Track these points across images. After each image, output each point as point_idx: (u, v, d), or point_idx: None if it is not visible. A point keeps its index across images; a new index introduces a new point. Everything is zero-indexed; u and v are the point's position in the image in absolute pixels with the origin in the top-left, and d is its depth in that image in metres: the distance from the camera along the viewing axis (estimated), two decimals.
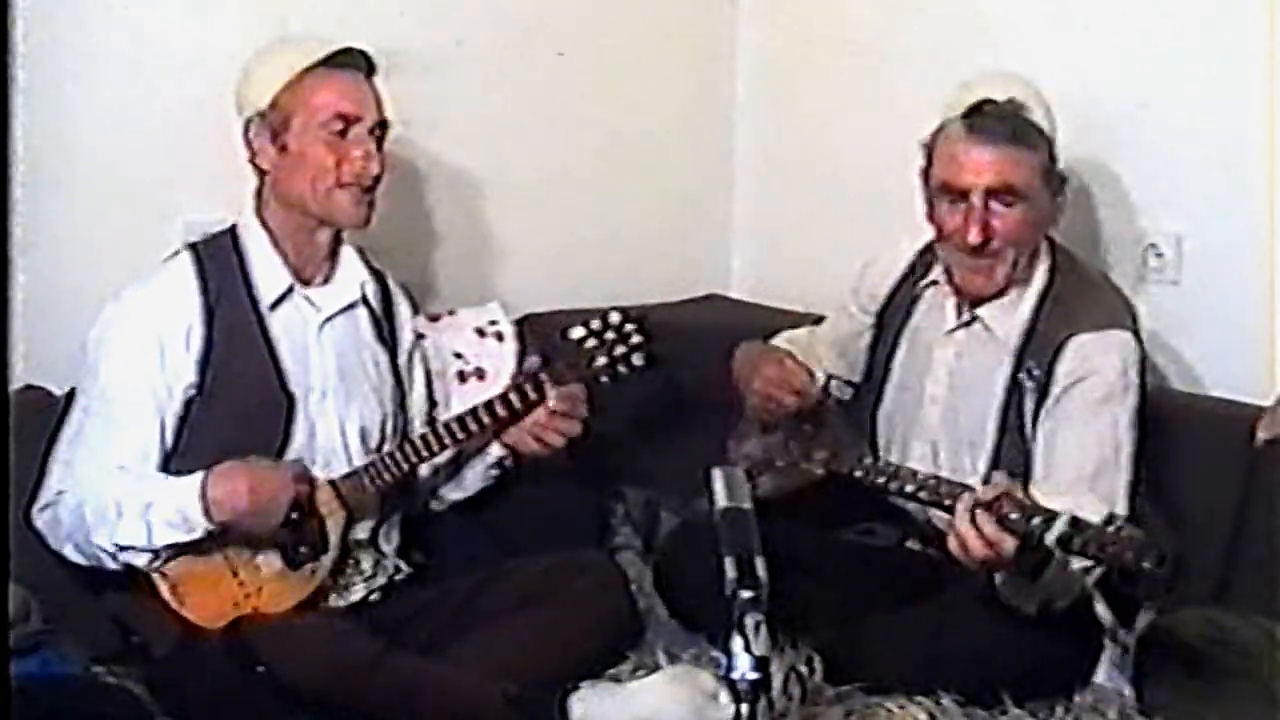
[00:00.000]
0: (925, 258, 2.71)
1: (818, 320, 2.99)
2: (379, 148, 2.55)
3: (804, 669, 2.41)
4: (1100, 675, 2.48)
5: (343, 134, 2.51)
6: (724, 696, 2.09)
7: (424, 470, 2.68)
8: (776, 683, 2.30)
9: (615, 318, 2.58)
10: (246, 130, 2.54)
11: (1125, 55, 2.91)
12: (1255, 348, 2.69)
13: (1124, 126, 2.90)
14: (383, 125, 2.56)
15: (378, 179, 2.54)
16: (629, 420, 3.06)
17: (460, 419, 2.60)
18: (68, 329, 2.54)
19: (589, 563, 2.66)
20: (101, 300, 2.54)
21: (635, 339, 2.58)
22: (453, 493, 2.78)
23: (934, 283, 2.69)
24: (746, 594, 1.71)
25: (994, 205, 2.51)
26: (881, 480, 2.53)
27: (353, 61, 2.56)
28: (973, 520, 2.23)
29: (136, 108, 2.81)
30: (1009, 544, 2.21)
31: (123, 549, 2.43)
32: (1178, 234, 2.86)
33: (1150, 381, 2.62)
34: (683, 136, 3.54)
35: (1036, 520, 2.20)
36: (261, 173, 2.55)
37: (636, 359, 2.59)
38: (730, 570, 1.74)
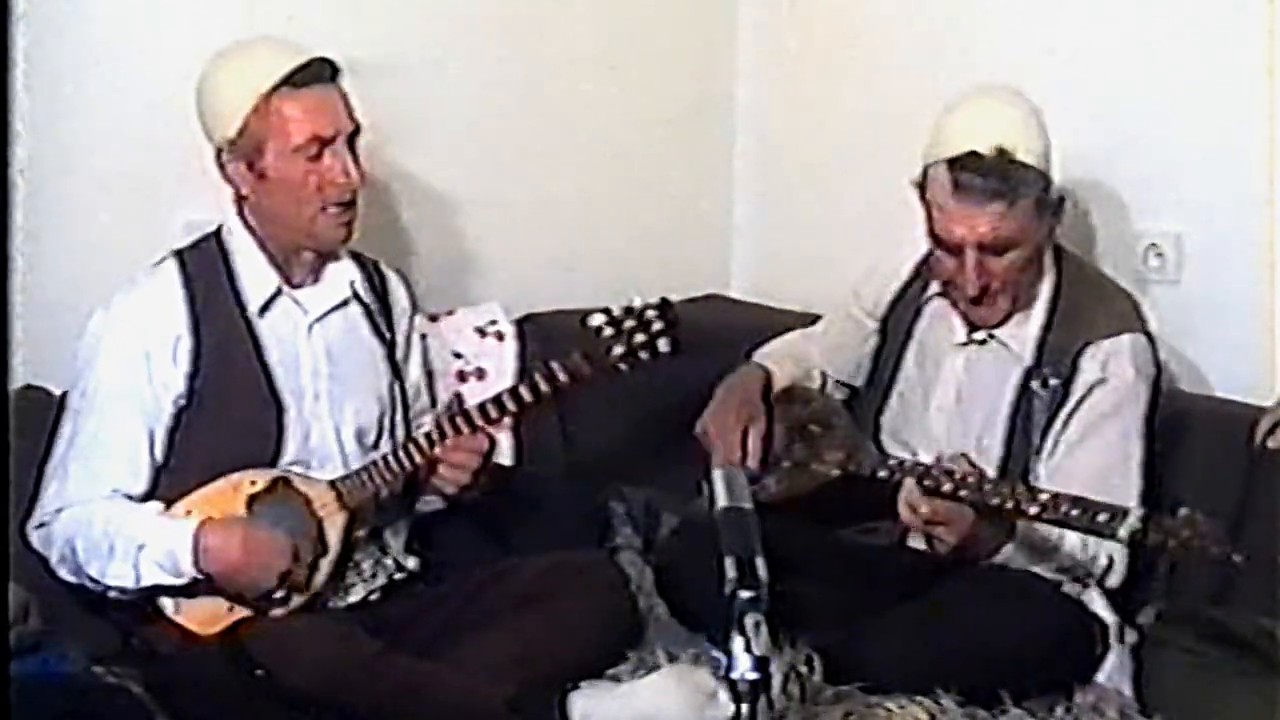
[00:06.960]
0: (927, 266, 2.69)
1: (812, 321, 2.99)
2: (355, 155, 2.47)
3: (803, 668, 2.40)
4: (1100, 675, 2.48)
5: (319, 154, 2.44)
6: (723, 695, 2.09)
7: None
8: (776, 682, 2.30)
9: (637, 303, 2.48)
10: (219, 156, 2.47)
11: (1125, 55, 2.91)
12: (1255, 348, 2.69)
13: (1123, 127, 2.90)
14: (356, 131, 2.48)
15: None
16: (629, 420, 3.06)
17: (466, 414, 2.52)
18: (68, 329, 2.54)
19: (589, 563, 2.66)
20: (101, 299, 2.54)
21: (656, 325, 2.47)
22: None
23: (938, 294, 2.68)
24: (746, 594, 1.70)
25: (988, 257, 2.50)
26: (912, 480, 2.43)
27: (318, 73, 2.44)
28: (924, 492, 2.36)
29: (136, 107, 2.81)
30: (943, 511, 2.34)
31: (110, 586, 2.43)
32: (1178, 234, 2.86)
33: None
34: (683, 136, 3.54)
35: (1103, 517, 2.26)
36: (240, 193, 2.50)
37: (663, 344, 2.47)
38: (730, 570, 1.73)
